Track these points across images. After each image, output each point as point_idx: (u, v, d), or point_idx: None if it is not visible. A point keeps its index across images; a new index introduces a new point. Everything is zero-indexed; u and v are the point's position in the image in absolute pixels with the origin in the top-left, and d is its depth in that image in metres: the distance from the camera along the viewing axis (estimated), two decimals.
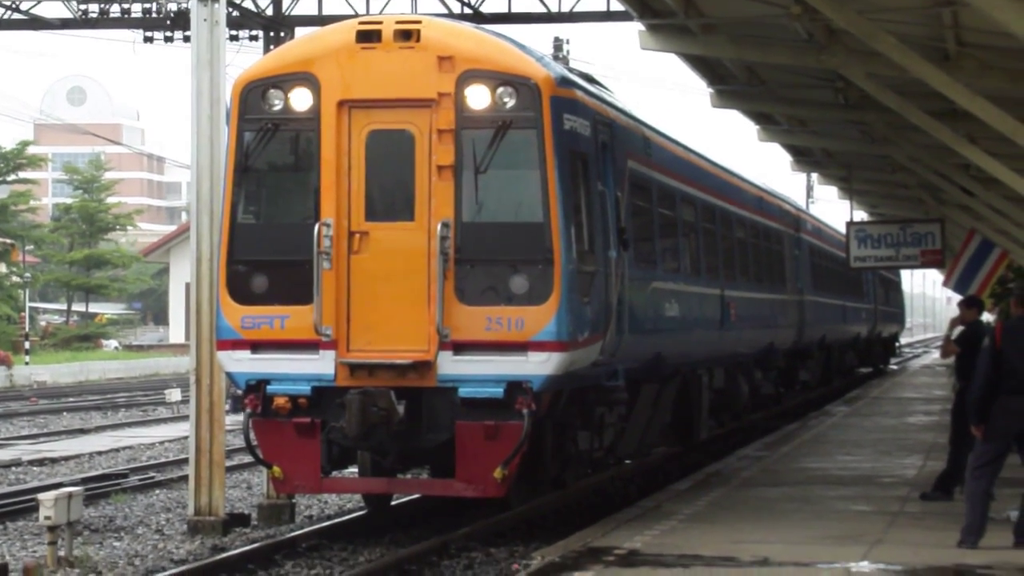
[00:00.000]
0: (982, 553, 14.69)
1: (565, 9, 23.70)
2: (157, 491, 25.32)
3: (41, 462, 29.91)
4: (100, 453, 31.59)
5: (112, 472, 27.38)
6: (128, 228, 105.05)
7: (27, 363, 70.12)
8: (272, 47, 22.59)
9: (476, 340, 16.71)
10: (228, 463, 23.70)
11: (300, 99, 17.36)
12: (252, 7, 23.19)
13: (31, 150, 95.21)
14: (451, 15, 22.56)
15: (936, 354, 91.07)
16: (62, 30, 24.95)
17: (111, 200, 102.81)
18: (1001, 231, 31.83)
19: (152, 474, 27.32)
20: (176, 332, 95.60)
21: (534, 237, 16.78)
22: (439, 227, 16.71)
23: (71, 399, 52.89)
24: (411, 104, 17.09)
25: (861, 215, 46.42)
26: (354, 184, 17.19)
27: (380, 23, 17.51)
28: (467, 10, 23.04)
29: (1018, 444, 15.10)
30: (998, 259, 33.46)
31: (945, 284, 37.56)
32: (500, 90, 16.96)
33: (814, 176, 57.79)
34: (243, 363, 17.34)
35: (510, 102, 16.95)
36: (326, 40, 17.70)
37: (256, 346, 17.28)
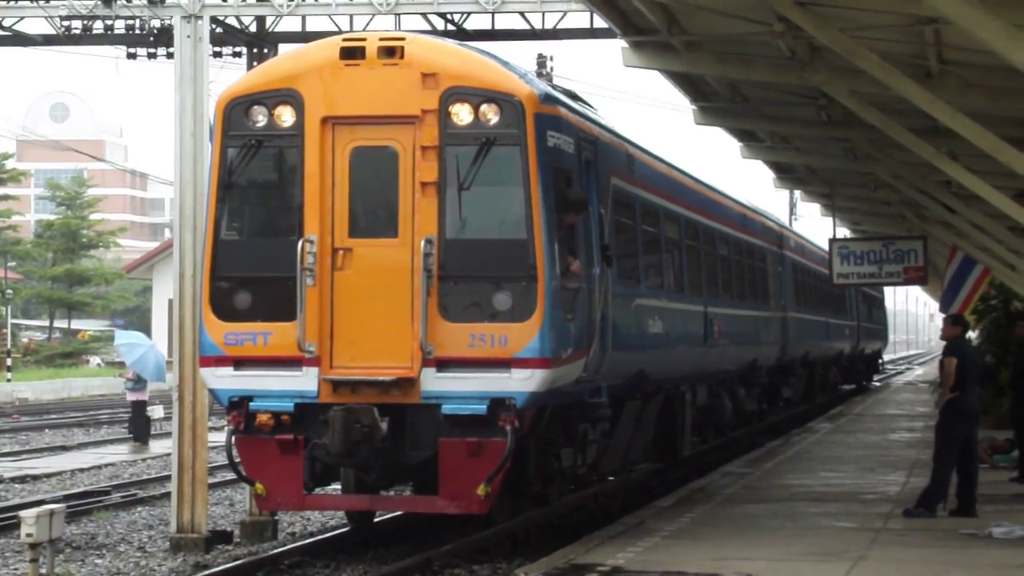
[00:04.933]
0: (966, 570, 14.72)
1: (549, 26, 23.67)
2: (139, 508, 25.28)
3: (23, 479, 29.84)
4: (82, 470, 31.54)
5: (94, 489, 27.34)
6: (111, 246, 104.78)
7: (9, 380, 69.93)
8: (255, 64, 22.56)
9: (459, 357, 16.71)
10: (211, 480, 23.70)
11: (284, 115, 17.37)
12: (235, 24, 23.15)
13: (13, 165, 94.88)
14: (435, 32, 22.55)
15: (920, 371, 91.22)
16: (45, 47, 24.89)
17: (94, 217, 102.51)
18: (983, 248, 31.86)
19: (134, 491, 27.28)
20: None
21: (517, 254, 16.78)
22: (422, 244, 16.71)
23: (53, 416, 52.76)
24: (395, 121, 17.10)
25: (844, 232, 46.43)
26: (337, 201, 17.19)
27: (364, 40, 17.52)
28: (451, 27, 23.02)
29: None
30: (980, 276, 33.51)
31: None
32: (484, 107, 16.97)
33: (797, 193, 57.83)
34: (226, 380, 17.30)
35: (494, 119, 16.96)
36: (310, 57, 17.70)
37: (239, 363, 17.25)
